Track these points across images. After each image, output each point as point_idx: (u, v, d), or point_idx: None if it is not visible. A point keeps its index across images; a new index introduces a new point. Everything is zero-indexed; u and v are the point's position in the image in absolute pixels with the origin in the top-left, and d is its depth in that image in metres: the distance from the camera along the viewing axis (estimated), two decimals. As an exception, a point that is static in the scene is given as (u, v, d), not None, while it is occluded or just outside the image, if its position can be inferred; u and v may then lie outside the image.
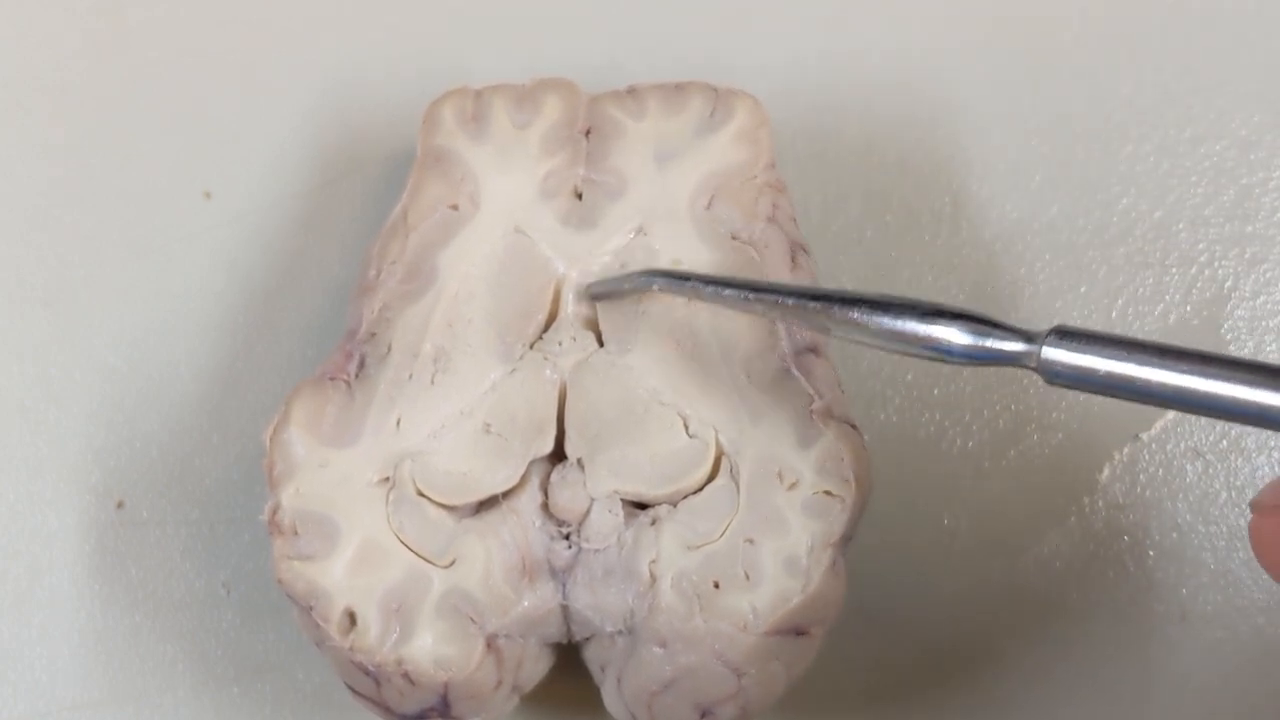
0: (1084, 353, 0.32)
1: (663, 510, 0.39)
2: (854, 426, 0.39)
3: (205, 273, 0.48)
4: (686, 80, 0.43)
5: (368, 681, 0.38)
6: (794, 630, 0.38)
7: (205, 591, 0.46)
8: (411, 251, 0.42)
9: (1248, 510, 0.45)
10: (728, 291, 0.38)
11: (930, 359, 0.34)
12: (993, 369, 0.34)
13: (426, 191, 0.42)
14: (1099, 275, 0.47)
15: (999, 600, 0.45)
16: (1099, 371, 0.32)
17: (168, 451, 0.47)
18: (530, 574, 0.39)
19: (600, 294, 0.41)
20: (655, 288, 0.40)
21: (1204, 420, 0.45)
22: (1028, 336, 0.33)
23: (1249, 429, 0.45)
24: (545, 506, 0.40)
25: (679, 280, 0.39)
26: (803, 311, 0.36)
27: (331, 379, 0.40)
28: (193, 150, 0.49)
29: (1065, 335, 0.32)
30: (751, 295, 0.37)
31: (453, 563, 0.39)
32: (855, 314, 0.35)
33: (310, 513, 0.39)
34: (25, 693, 0.46)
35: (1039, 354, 0.32)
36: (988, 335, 0.33)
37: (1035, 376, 0.33)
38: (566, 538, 0.39)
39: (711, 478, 0.39)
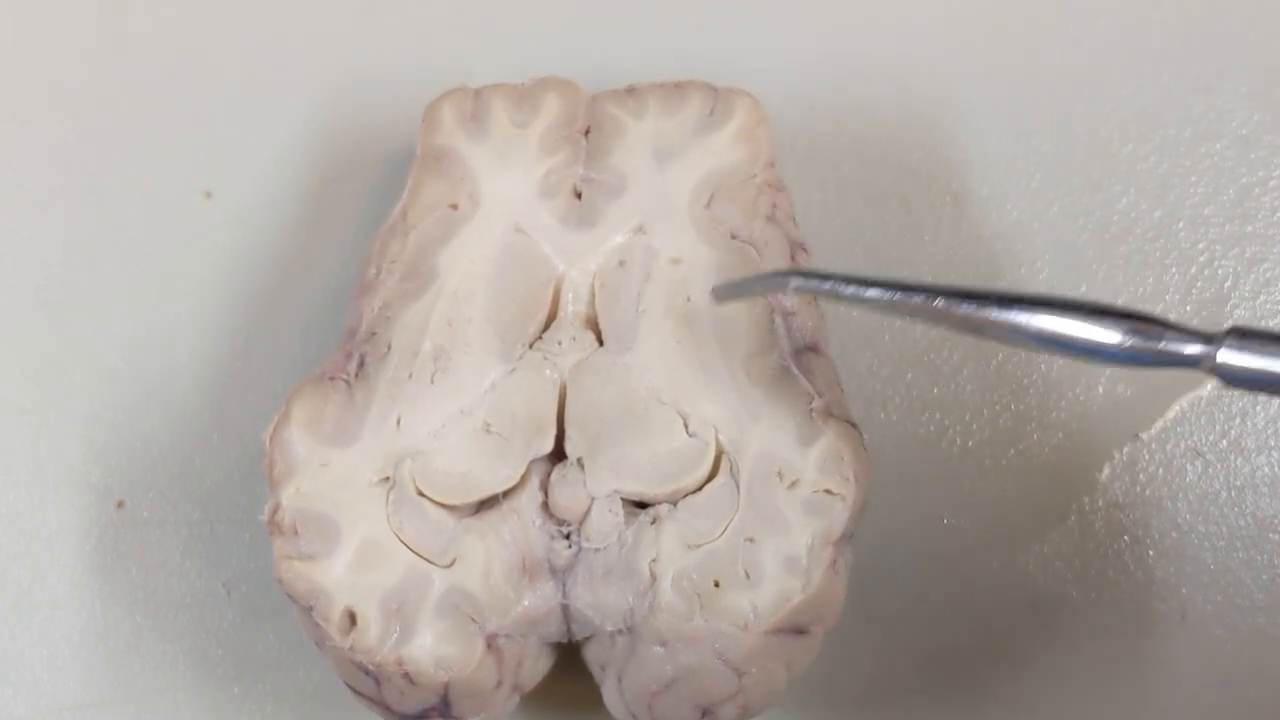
0: (1265, 354, 0.30)
1: (663, 509, 0.39)
2: (854, 425, 0.39)
3: (205, 273, 0.48)
4: (686, 79, 0.43)
5: (368, 681, 0.38)
6: (794, 629, 0.38)
7: (205, 591, 0.46)
8: (411, 250, 0.42)
9: (1247, 510, 0.45)
10: (871, 291, 0.35)
11: (1096, 362, 0.32)
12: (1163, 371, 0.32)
13: (426, 191, 0.42)
14: (1099, 275, 0.47)
15: (999, 599, 0.45)
16: None
17: (168, 451, 0.47)
18: (530, 573, 0.39)
19: (726, 296, 0.39)
20: (791, 288, 0.37)
21: (1204, 420, 0.45)
22: (1205, 338, 0.31)
23: (1249, 428, 0.45)
24: (545, 506, 0.40)
25: (817, 280, 0.36)
26: (955, 313, 0.33)
27: (332, 378, 0.40)
28: (193, 150, 0.49)
29: (1245, 335, 0.31)
30: (898, 296, 0.34)
31: (453, 562, 0.39)
32: (1015, 315, 0.33)
33: (310, 512, 0.39)
34: (25, 693, 0.46)
35: (1215, 356, 0.31)
36: (1159, 337, 0.32)
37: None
38: (567, 537, 0.39)
39: (712, 476, 0.39)
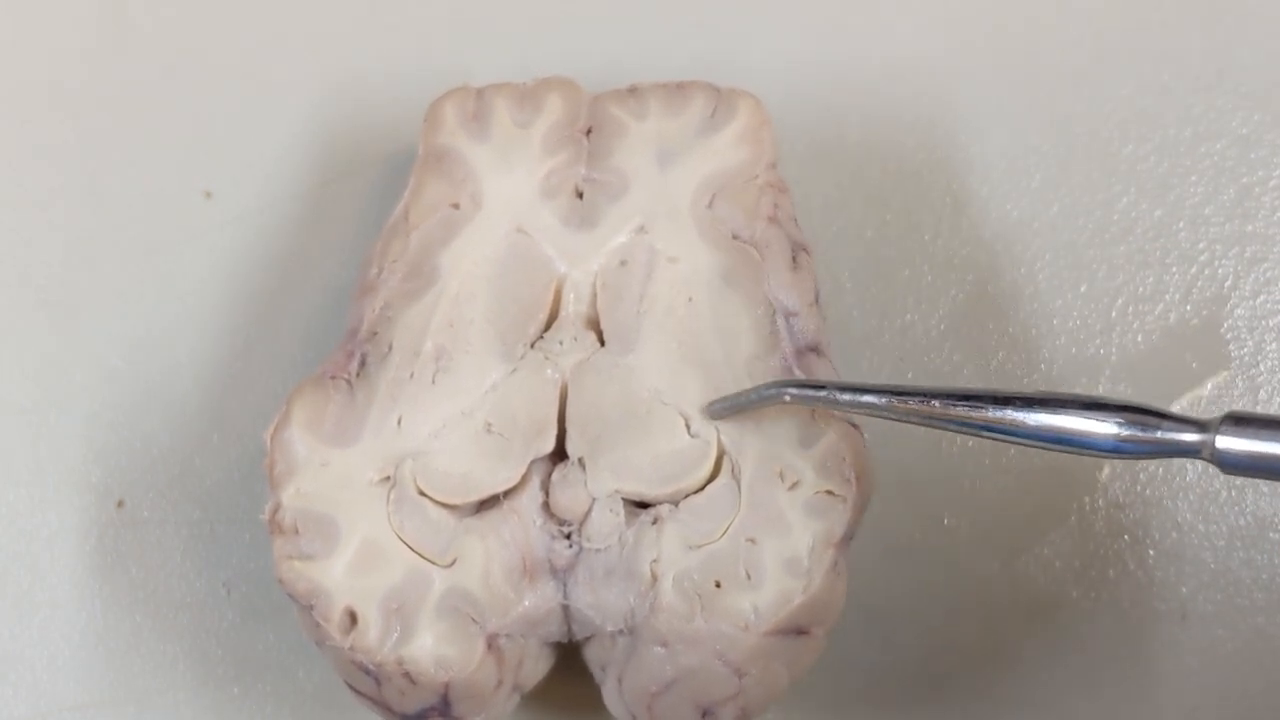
0: (1262, 439, 0.31)
1: (664, 510, 0.39)
2: (855, 426, 0.39)
3: (205, 273, 0.48)
4: (688, 80, 0.43)
5: (368, 681, 0.38)
6: (795, 630, 0.38)
7: (205, 591, 0.46)
8: (413, 251, 0.42)
9: (1247, 510, 0.45)
10: (866, 397, 0.36)
11: (1095, 455, 0.33)
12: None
13: (428, 191, 0.42)
14: (1099, 275, 0.47)
15: (999, 600, 0.45)
16: None
17: (168, 451, 0.47)
18: (531, 573, 0.39)
19: (721, 413, 0.39)
20: (786, 399, 0.37)
21: (1204, 420, 0.45)
22: (1199, 426, 0.32)
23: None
24: (546, 506, 0.40)
25: (812, 390, 0.37)
26: (951, 414, 0.34)
27: (333, 378, 0.40)
28: (193, 150, 0.49)
29: (1240, 421, 0.31)
30: (895, 400, 0.35)
31: (453, 562, 0.39)
32: (1011, 414, 0.33)
33: (311, 512, 0.39)
34: (25, 693, 0.46)
35: (1213, 443, 0.31)
36: (1155, 428, 0.32)
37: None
38: (567, 537, 0.39)
39: (713, 477, 0.39)
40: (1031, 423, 0.33)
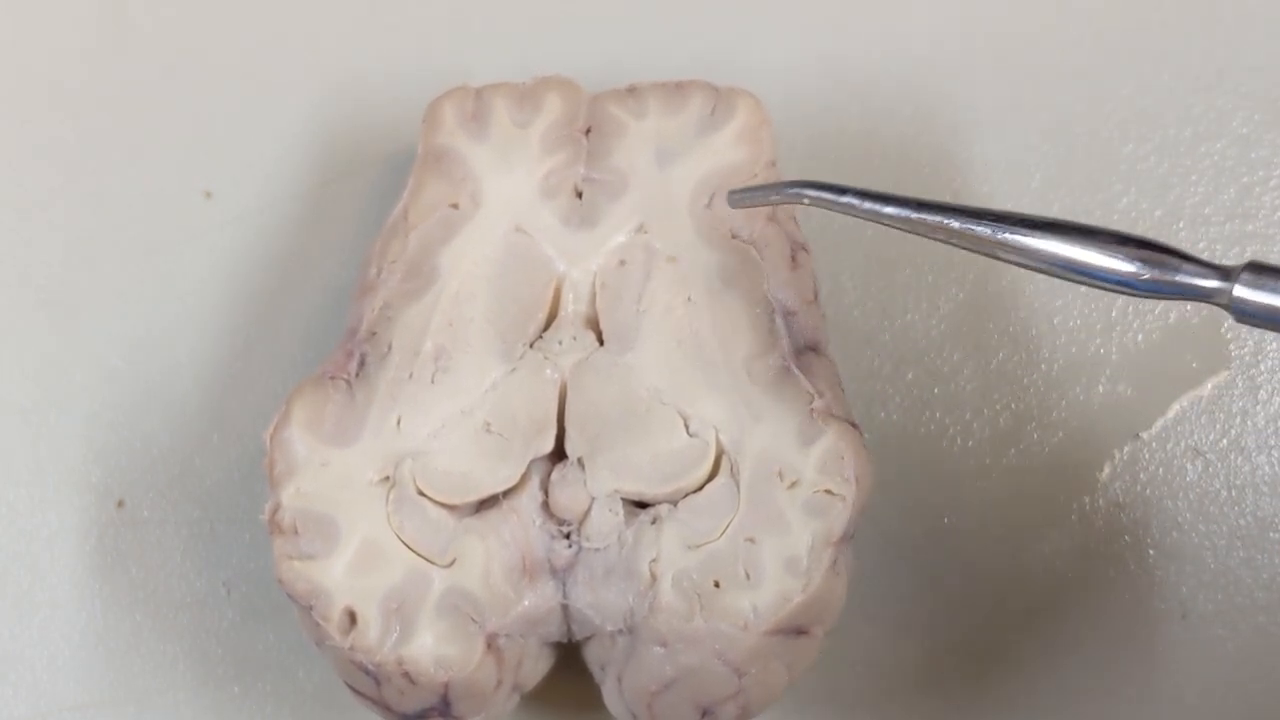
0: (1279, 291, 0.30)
1: (663, 509, 0.39)
2: (854, 425, 0.39)
3: (205, 273, 0.48)
4: (687, 79, 0.43)
5: (368, 681, 0.38)
6: (795, 630, 0.38)
7: (205, 591, 0.46)
8: (412, 250, 0.42)
9: (1247, 510, 0.45)
10: (888, 209, 0.34)
11: (1112, 291, 0.32)
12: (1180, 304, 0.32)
13: (427, 190, 0.42)
14: (1099, 275, 0.47)
15: (999, 599, 0.45)
16: None
17: (168, 451, 0.47)
18: (530, 573, 0.39)
19: (740, 204, 0.39)
20: (805, 200, 0.36)
21: (1204, 419, 0.45)
22: (1222, 272, 0.31)
23: (1250, 428, 0.45)
24: (546, 506, 0.40)
25: (833, 192, 0.36)
26: (971, 233, 0.33)
27: (332, 378, 0.40)
28: (193, 150, 0.49)
29: (1261, 271, 0.31)
30: (914, 214, 0.34)
31: (453, 562, 0.39)
32: (1032, 240, 0.32)
33: (311, 512, 0.39)
34: (25, 693, 0.46)
35: (1231, 291, 0.31)
36: (1177, 269, 0.32)
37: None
38: (567, 537, 0.39)
39: (712, 477, 0.39)
40: (1050, 250, 0.32)
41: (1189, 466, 0.45)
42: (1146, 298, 0.32)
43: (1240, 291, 0.31)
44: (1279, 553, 0.44)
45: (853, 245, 0.47)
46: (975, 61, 0.49)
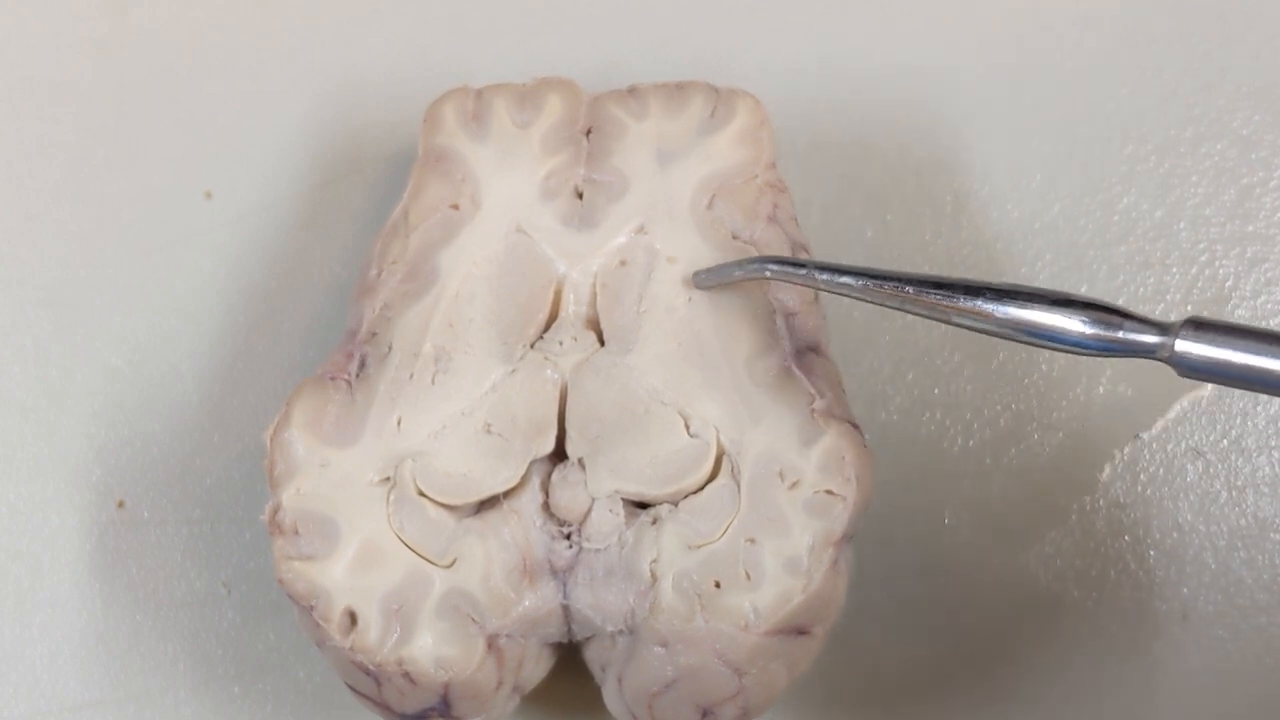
0: (1219, 345, 0.31)
1: (664, 510, 0.39)
2: (855, 426, 0.39)
3: (206, 273, 0.48)
4: (687, 80, 0.43)
5: (368, 681, 0.38)
6: (795, 630, 0.38)
7: (206, 591, 0.46)
8: (413, 251, 0.42)
9: (1248, 511, 0.45)
10: (844, 278, 0.37)
11: (1058, 350, 0.34)
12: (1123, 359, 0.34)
13: (428, 191, 0.42)
14: (1099, 275, 0.47)
15: (1000, 599, 0.45)
16: (1234, 364, 0.31)
17: (168, 451, 0.47)
18: (531, 574, 0.39)
19: (706, 284, 0.40)
20: (767, 274, 0.39)
21: (1205, 420, 0.45)
22: (1161, 328, 0.33)
23: (1250, 428, 0.45)
24: (546, 506, 0.40)
25: (792, 268, 0.38)
26: (924, 300, 0.35)
27: (332, 379, 0.40)
28: (193, 150, 0.49)
29: (1200, 327, 0.32)
30: (871, 283, 0.36)
31: (453, 563, 0.39)
32: (980, 303, 0.34)
33: (311, 513, 0.39)
34: (25, 693, 0.46)
35: (1173, 346, 0.32)
36: (1119, 326, 0.33)
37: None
38: (567, 537, 0.39)
39: (713, 477, 0.39)
40: (1000, 314, 0.34)
41: (1189, 467, 0.45)
42: (1099, 356, 0.33)
43: (1182, 346, 0.32)
44: (1279, 553, 0.44)
45: (853, 245, 0.47)
46: (976, 62, 0.49)
